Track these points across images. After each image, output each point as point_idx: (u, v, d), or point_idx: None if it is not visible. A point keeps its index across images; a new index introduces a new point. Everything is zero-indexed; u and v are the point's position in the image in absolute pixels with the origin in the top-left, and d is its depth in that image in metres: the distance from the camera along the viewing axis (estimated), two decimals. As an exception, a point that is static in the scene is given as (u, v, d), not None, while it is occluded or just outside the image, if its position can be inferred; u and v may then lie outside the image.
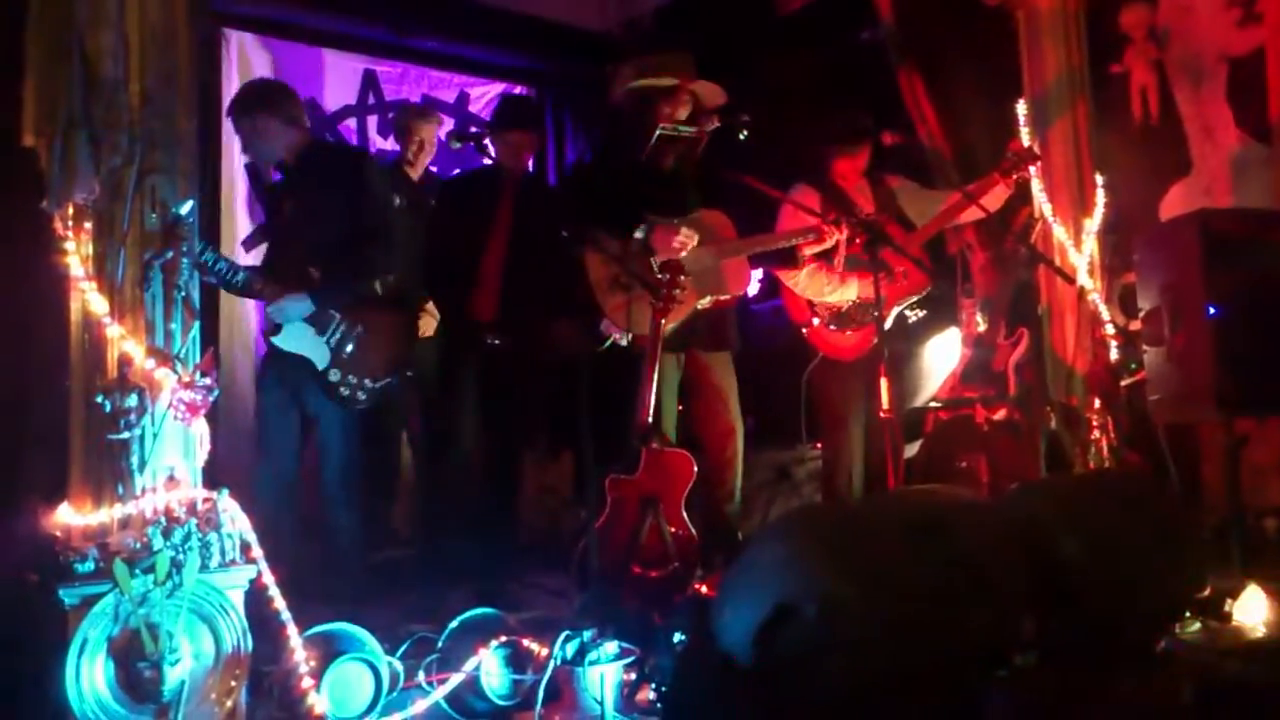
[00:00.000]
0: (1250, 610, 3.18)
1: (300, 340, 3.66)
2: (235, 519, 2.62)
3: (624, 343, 3.91)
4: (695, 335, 4.06)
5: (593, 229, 3.87)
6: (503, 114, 4.48)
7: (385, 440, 4.68)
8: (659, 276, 3.74)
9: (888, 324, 4.16)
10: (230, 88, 5.29)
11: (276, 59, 5.48)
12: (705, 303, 4.00)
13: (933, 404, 4.98)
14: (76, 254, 2.59)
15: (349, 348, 3.69)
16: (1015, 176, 4.26)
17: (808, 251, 4.20)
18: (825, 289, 4.31)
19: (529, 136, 4.38)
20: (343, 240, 3.73)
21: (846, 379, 4.32)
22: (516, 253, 4.21)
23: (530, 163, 4.45)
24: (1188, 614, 3.15)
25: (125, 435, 2.55)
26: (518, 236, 4.22)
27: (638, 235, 3.90)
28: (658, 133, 4.00)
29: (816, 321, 4.34)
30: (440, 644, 3.00)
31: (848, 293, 4.30)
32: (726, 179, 4.11)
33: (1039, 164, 4.32)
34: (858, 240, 4.01)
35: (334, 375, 3.68)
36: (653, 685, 2.79)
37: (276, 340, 3.67)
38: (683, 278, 3.74)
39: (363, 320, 3.74)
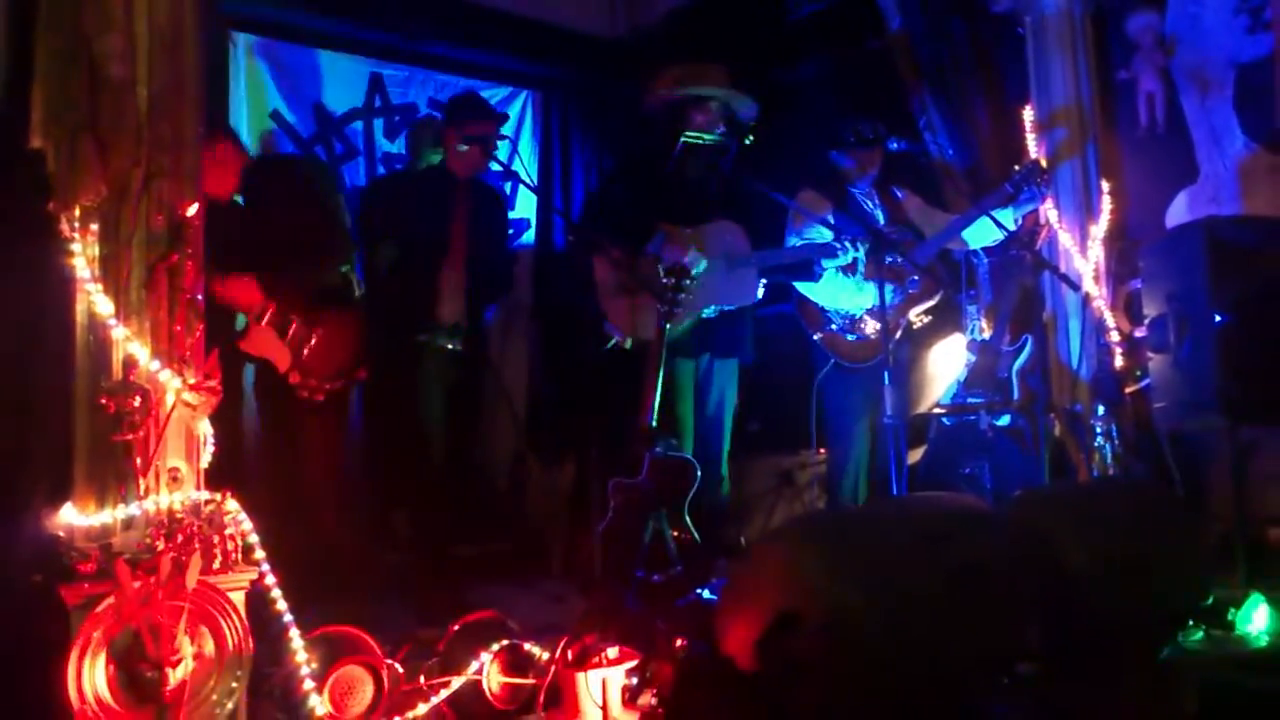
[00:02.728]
0: (1254, 619, 3.17)
1: (263, 344, 3.70)
2: (238, 520, 2.62)
3: (626, 345, 3.91)
4: (710, 342, 4.07)
5: (600, 234, 3.88)
6: (463, 106, 4.38)
7: (384, 442, 4.69)
8: (665, 281, 3.75)
9: (898, 332, 4.17)
10: (238, 91, 5.31)
11: (283, 62, 5.49)
12: (710, 312, 4.01)
13: (937, 410, 4.97)
14: (83, 255, 2.60)
15: (305, 351, 3.73)
16: (1034, 189, 4.26)
17: (826, 264, 4.20)
18: (843, 296, 4.31)
19: (490, 127, 4.25)
20: (291, 240, 3.81)
21: (857, 385, 4.32)
22: (474, 256, 4.19)
23: (487, 160, 4.30)
24: (1192, 622, 3.15)
25: (129, 436, 2.55)
26: (474, 240, 4.19)
27: (650, 246, 3.91)
28: (682, 141, 4.01)
29: (834, 327, 4.34)
30: (441, 647, 3.00)
31: (864, 300, 4.29)
32: (747, 189, 4.11)
33: (1049, 180, 4.32)
34: (868, 252, 4.01)
35: (293, 378, 3.77)
36: (654, 691, 2.78)
37: (244, 345, 3.74)
38: (688, 283, 3.75)
39: (319, 321, 3.79)
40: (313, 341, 3.77)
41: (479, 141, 4.16)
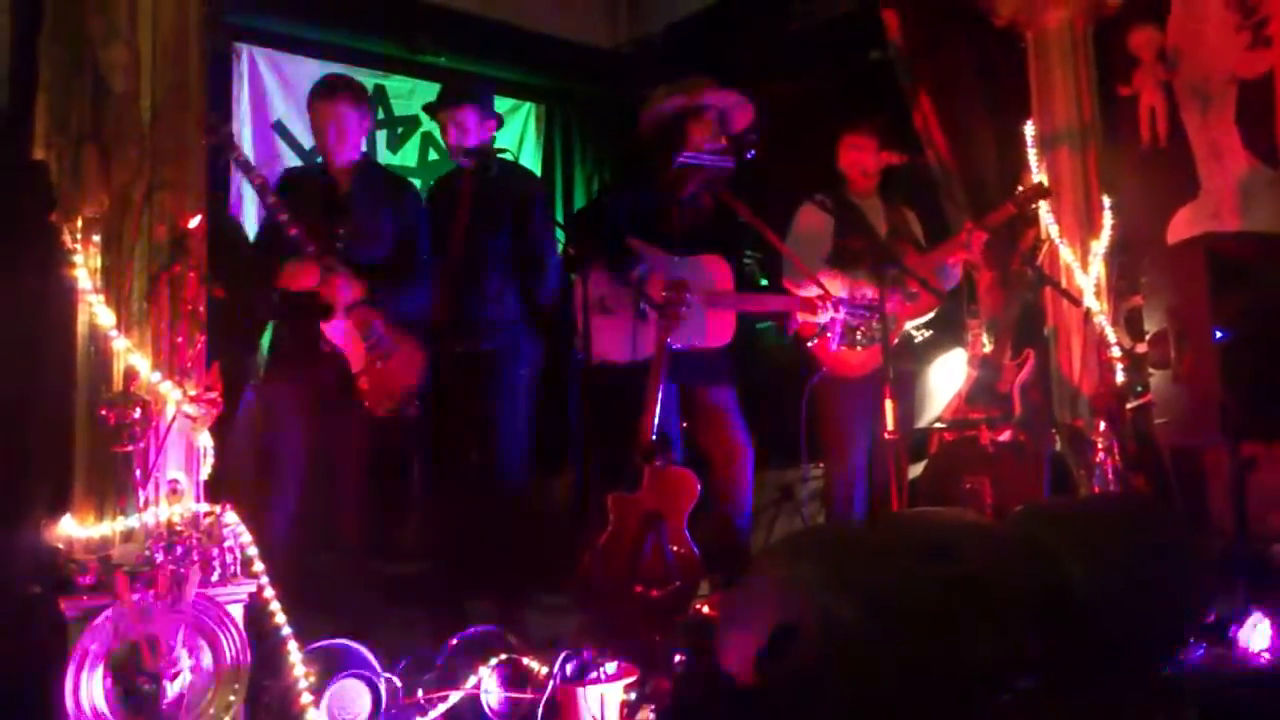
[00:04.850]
0: (1255, 637, 3.17)
1: (344, 334, 3.59)
2: (237, 533, 2.62)
3: (590, 364, 3.83)
4: (691, 372, 4.00)
5: (596, 255, 3.84)
6: (447, 92, 4.17)
7: (396, 455, 4.66)
8: (665, 295, 3.74)
9: (895, 343, 4.15)
10: (241, 102, 5.33)
11: (286, 74, 5.50)
12: (680, 347, 3.92)
13: (937, 425, 4.96)
14: (85, 266, 2.61)
15: (378, 363, 3.66)
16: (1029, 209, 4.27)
17: (801, 318, 4.18)
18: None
19: (475, 112, 4.07)
20: (382, 265, 3.73)
21: (851, 397, 4.27)
22: (467, 250, 4.11)
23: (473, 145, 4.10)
24: (1192, 639, 3.14)
25: (129, 448, 2.55)
26: (469, 232, 4.03)
27: (635, 271, 3.86)
28: (679, 162, 3.97)
29: (830, 335, 4.32)
30: (440, 661, 3.00)
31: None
32: (739, 217, 4.05)
33: (1050, 199, 4.33)
34: (845, 317, 4.00)
35: (362, 383, 3.61)
36: (653, 706, 2.78)
37: (327, 327, 3.55)
38: (688, 297, 3.75)
39: (399, 342, 3.68)
40: (386, 355, 3.65)
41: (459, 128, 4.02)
